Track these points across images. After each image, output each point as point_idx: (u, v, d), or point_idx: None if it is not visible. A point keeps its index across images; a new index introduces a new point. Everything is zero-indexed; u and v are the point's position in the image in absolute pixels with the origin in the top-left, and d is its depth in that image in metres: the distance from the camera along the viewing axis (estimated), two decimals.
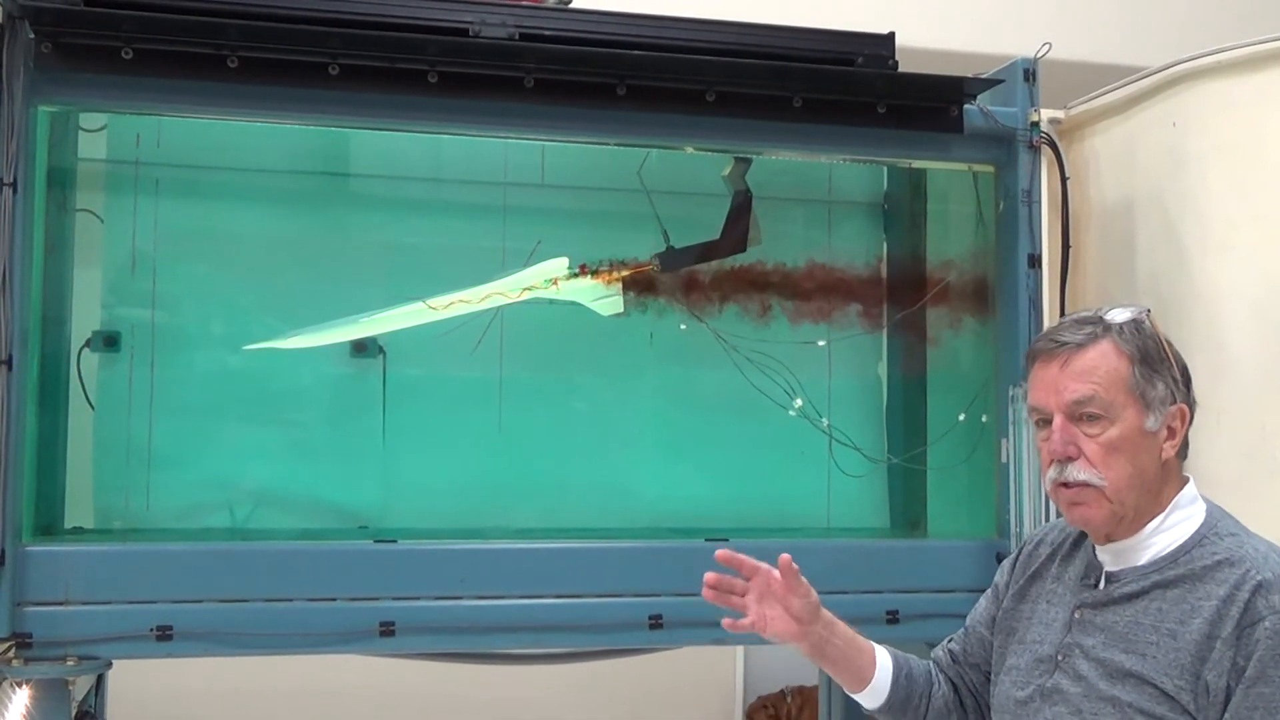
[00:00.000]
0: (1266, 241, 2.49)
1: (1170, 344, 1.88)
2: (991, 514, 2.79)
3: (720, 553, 1.97)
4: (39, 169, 2.41)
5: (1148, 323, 1.87)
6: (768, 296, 2.95)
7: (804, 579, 1.96)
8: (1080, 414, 1.82)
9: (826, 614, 1.98)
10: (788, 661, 5.48)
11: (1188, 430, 1.87)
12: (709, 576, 1.98)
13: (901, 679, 2.03)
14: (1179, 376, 1.85)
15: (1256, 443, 2.46)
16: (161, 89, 2.41)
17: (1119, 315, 1.86)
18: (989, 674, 2.06)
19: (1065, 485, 1.84)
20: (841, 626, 2.00)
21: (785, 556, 1.94)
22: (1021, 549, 2.11)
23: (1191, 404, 1.87)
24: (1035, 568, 2.04)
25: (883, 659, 2.03)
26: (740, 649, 5.56)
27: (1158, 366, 1.83)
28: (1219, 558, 1.78)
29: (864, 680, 2.01)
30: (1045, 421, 1.86)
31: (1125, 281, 2.76)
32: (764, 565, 1.96)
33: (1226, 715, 1.69)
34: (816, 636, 1.98)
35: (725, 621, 1.98)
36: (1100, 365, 1.82)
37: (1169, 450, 1.84)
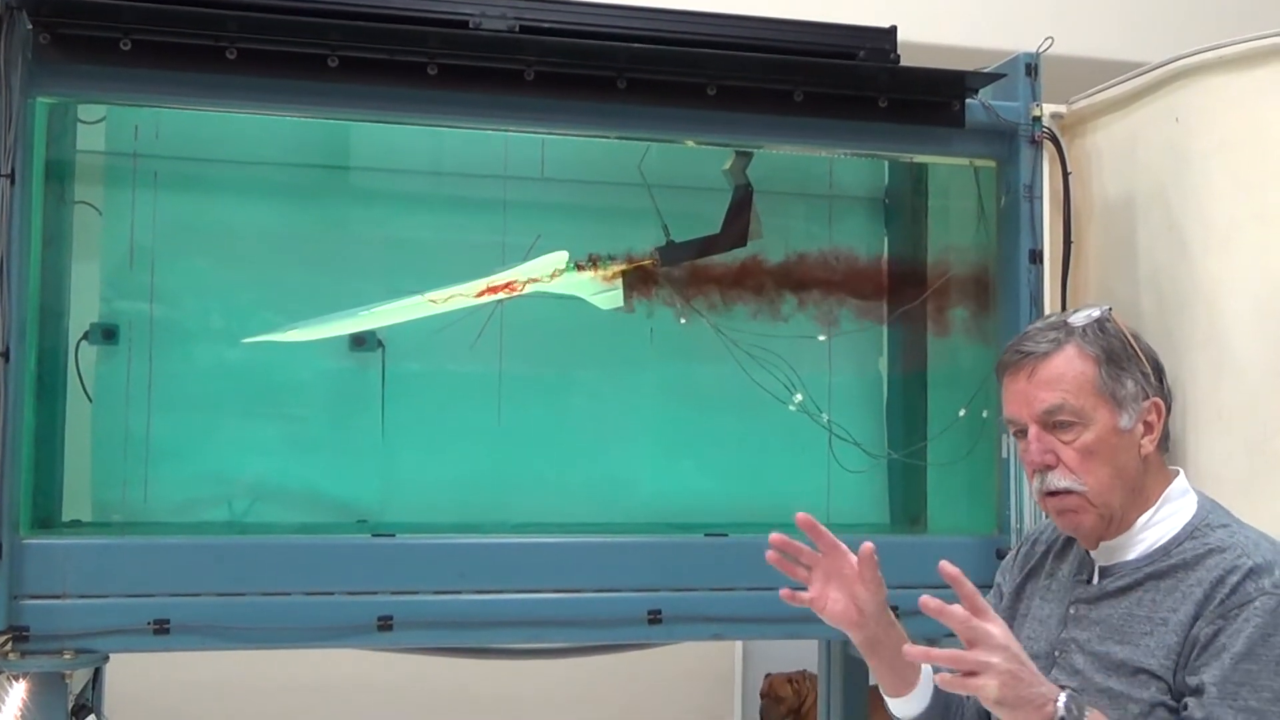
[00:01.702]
0: (1269, 238, 2.48)
1: (1138, 339, 1.89)
2: (992, 510, 2.79)
3: (800, 516, 1.86)
4: (37, 161, 2.40)
5: (1111, 322, 1.88)
6: (768, 291, 2.95)
7: (879, 574, 1.88)
8: (1053, 422, 1.84)
9: (889, 614, 1.91)
10: (786, 654, 5.48)
11: (1165, 423, 1.88)
12: (775, 537, 1.88)
13: (942, 695, 1.97)
14: (1149, 371, 1.87)
15: (1259, 441, 2.46)
16: (160, 81, 2.39)
17: (1081, 318, 1.87)
18: None
19: (1051, 494, 1.85)
20: (899, 628, 1.93)
21: (869, 545, 1.86)
22: (1019, 548, 2.12)
23: (1166, 396, 1.89)
24: (1031, 565, 2.05)
25: (928, 674, 1.97)
26: (739, 641, 5.56)
27: (1125, 364, 1.84)
28: (1210, 546, 1.79)
29: (909, 684, 1.96)
30: (1022, 433, 1.88)
31: (1127, 278, 2.75)
32: (842, 545, 1.87)
33: (1210, 685, 1.70)
34: (872, 632, 1.91)
35: (783, 592, 1.89)
36: (1066, 372, 1.83)
37: (1148, 445, 1.85)
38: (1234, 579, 1.73)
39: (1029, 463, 1.87)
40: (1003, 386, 1.92)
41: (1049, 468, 1.84)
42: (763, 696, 5.42)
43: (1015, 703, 1.63)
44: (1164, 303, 2.63)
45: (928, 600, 1.65)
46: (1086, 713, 1.67)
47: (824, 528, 1.87)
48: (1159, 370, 1.89)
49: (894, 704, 2.00)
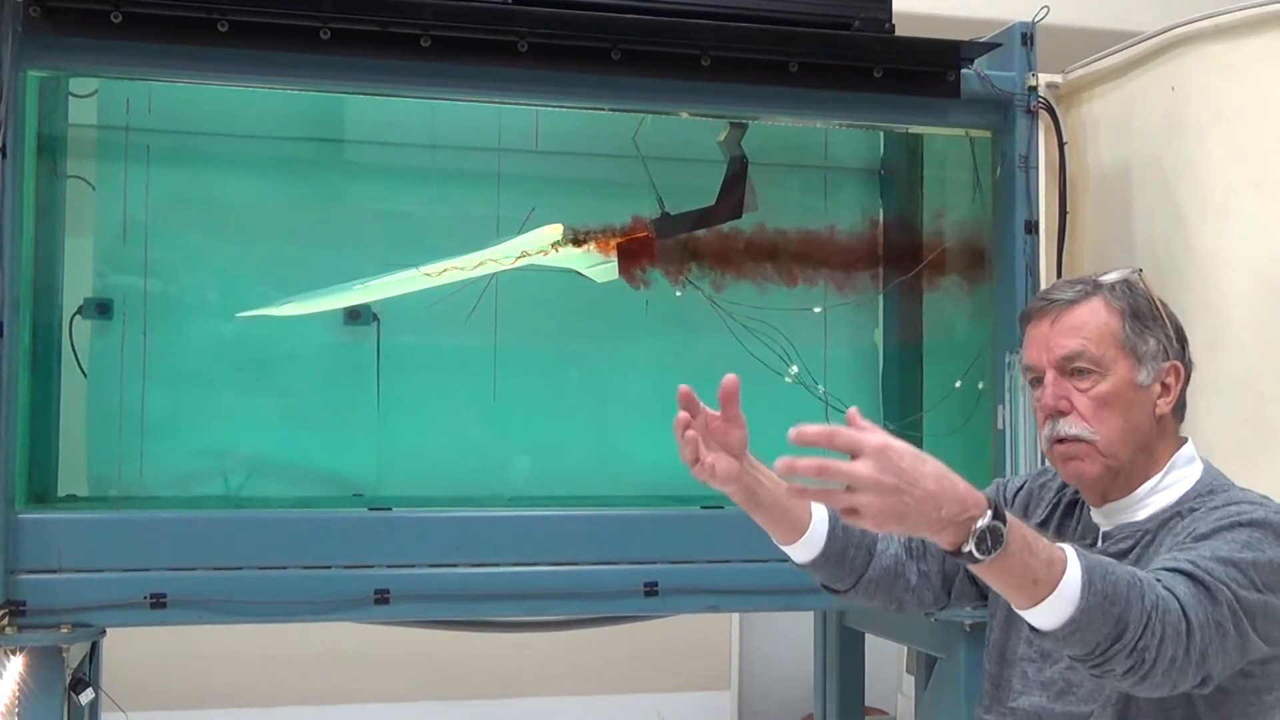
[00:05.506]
0: (1265, 207, 2.48)
1: (1164, 304, 1.89)
2: (987, 481, 2.78)
3: (682, 387, 1.75)
4: (29, 135, 2.39)
5: (1140, 282, 1.88)
6: (764, 263, 2.94)
7: (739, 410, 1.74)
8: (1071, 369, 1.84)
9: (750, 456, 1.79)
10: (784, 622, 5.50)
11: (1184, 390, 1.88)
12: (683, 389, 1.76)
13: (839, 529, 1.88)
14: (1173, 335, 1.87)
15: (1254, 410, 2.46)
16: (151, 53, 2.38)
17: (1111, 276, 1.88)
18: (952, 574, 2.00)
19: (1059, 441, 1.85)
20: (767, 470, 1.77)
21: (732, 377, 1.71)
22: (1023, 486, 2.11)
23: (1188, 364, 1.89)
24: (1035, 524, 2.04)
25: (819, 509, 1.87)
26: (736, 614, 5.58)
27: (1149, 322, 1.85)
28: (1211, 506, 1.80)
29: (800, 527, 1.86)
30: (1039, 380, 1.88)
31: (1122, 248, 2.75)
32: (708, 408, 1.75)
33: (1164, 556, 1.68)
34: (749, 477, 1.77)
35: (694, 469, 1.79)
36: (1090, 320, 1.84)
37: (1163, 406, 1.85)
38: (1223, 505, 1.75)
39: (1042, 407, 1.86)
40: (1024, 335, 1.92)
41: (1061, 414, 1.84)
42: None
43: (905, 530, 1.53)
44: (1160, 272, 2.62)
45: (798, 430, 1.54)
46: (1005, 534, 1.50)
47: (694, 396, 1.76)
48: (1182, 337, 1.90)
49: (790, 551, 1.90)
